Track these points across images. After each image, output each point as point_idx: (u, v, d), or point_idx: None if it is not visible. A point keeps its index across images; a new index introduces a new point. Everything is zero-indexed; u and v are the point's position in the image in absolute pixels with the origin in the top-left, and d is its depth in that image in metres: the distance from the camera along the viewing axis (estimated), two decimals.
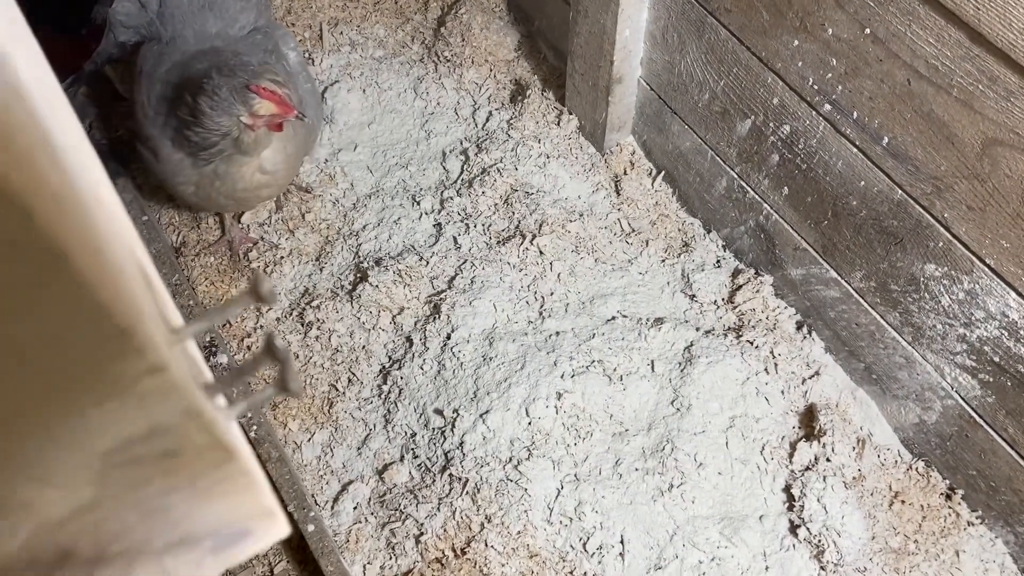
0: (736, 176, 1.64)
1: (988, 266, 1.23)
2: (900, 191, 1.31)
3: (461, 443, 1.50)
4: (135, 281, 0.24)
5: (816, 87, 1.35)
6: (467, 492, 1.47)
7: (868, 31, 1.21)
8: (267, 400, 0.32)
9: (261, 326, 1.72)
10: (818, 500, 1.47)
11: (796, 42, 1.34)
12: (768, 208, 1.61)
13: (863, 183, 1.37)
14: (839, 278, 1.53)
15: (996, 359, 1.31)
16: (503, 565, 1.43)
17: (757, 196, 1.62)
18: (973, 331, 1.32)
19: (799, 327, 1.68)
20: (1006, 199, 1.15)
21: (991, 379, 1.34)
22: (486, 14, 2.08)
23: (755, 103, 1.49)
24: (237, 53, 1.55)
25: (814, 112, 1.38)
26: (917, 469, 1.54)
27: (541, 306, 1.69)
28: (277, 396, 0.31)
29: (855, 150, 1.35)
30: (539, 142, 1.90)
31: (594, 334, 1.64)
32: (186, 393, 0.25)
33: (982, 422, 1.40)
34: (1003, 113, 1.09)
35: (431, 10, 2.16)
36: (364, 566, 1.47)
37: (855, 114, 1.31)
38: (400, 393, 1.60)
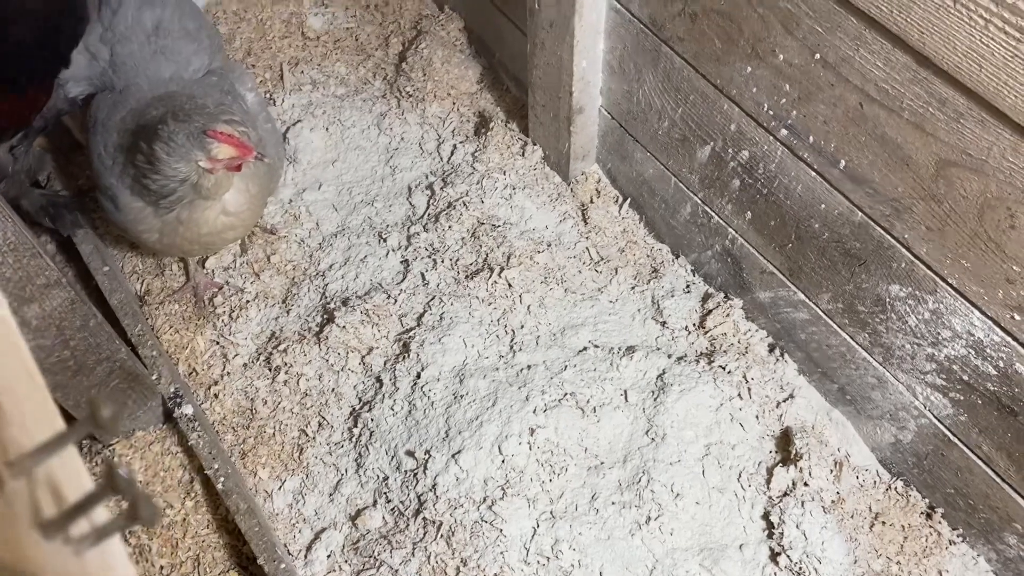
0: (700, 202, 1.64)
1: (951, 286, 1.23)
2: (860, 213, 1.30)
3: (434, 485, 1.48)
4: None
5: (771, 112, 1.35)
6: (442, 535, 1.44)
7: (818, 56, 1.21)
8: (117, 531, 0.30)
9: (228, 373, 1.69)
10: (797, 526, 1.45)
11: (749, 68, 1.34)
12: (733, 232, 1.60)
13: (824, 206, 1.36)
14: (807, 300, 1.52)
15: (965, 377, 1.30)
16: None
17: (721, 221, 1.61)
18: (941, 350, 1.31)
19: (771, 349, 1.67)
20: (963, 219, 1.14)
21: (962, 397, 1.33)
22: (447, 48, 2.08)
23: (713, 129, 1.49)
24: (192, 96, 1.54)
25: (771, 137, 1.38)
26: (896, 489, 1.53)
27: (512, 340, 1.68)
28: (129, 526, 0.29)
29: (813, 174, 1.34)
30: (504, 174, 1.90)
31: (566, 366, 1.62)
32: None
33: (956, 440, 1.39)
34: (954, 134, 1.09)
35: (392, 46, 2.16)
36: None
37: (811, 138, 1.31)
38: (371, 436, 1.57)
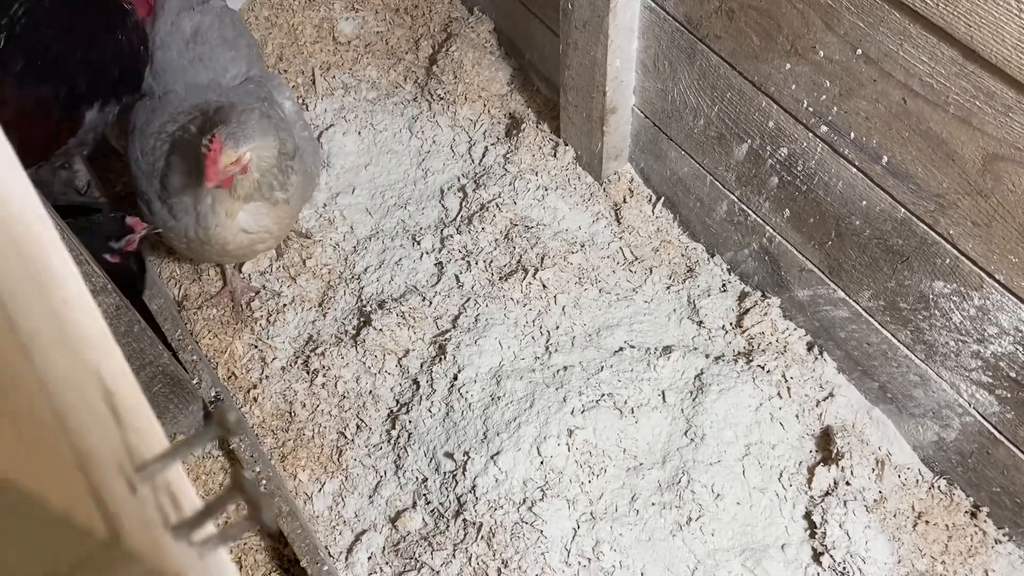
0: (736, 200, 1.63)
1: (998, 281, 1.21)
2: (903, 209, 1.29)
3: (473, 486, 1.48)
4: (85, 435, 0.22)
5: (811, 109, 1.34)
6: (482, 537, 1.44)
7: (860, 52, 1.20)
8: (241, 533, 0.30)
9: (267, 376, 1.70)
10: (840, 526, 1.44)
11: (788, 65, 1.33)
12: (771, 230, 1.59)
13: (865, 203, 1.35)
14: (847, 298, 1.51)
15: (1012, 374, 1.28)
16: None
17: (759, 219, 1.60)
18: (987, 347, 1.29)
19: (810, 348, 1.65)
20: (1011, 214, 1.13)
21: (1009, 395, 1.31)
22: (477, 50, 2.08)
23: (750, 127, 1.48)
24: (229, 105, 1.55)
25: (811, 134, 1.37)
26: (939, 488, 1.51)
27: (547, 341, 1.68)
28: (252, 528, 0.30)
29: (855, 170, 1.33)
30: (536, 175, 1.90)
31: (602, 367, 1.62)
32: (143, 557, 0.24)
33: (1002, 438, 1.37)
34: (1002, 128, 1.08)
35: (422, 49, 2.17)
36: None
37: (852, 134, 1.30)
38: (409, 437, 1.58)
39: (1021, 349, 1.25)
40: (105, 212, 1.86)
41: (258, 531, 1.54)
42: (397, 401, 1.65)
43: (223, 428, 0.29)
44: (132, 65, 1.59)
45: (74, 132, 1.58)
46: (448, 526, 1.47)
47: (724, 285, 1.75)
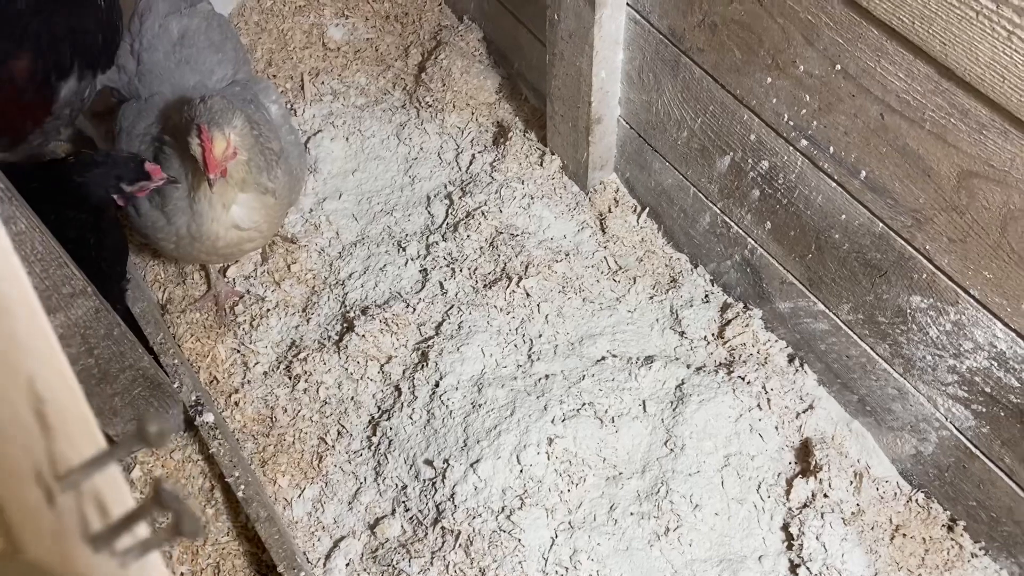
0: (719, 211, 1.64)
1: (973, 297, 1.22)
2: (881, 224, 1.30)
3: (452, 494, 1.48)
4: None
5: (792, 123, 1.35)
6: (460, 545, 1.44)
7: (839, 67, 1.21)
8: (162, 544, 0.31)
9: (249, 381, 1.70)
10: (817, 538, 1.44)
11: (769, 79, 1.34)
12: (752, 242, 1.60)
13: (844, 216, 1.36)
14: (827, 311, 1.52)
15: (987, 389, 1.29)
16: None
17: (741, 231, 1.61)
18: (963, 362, 1.30)
19: (791, 360, 1.66)
20: (985, 230, 1.14)
21: (984, 409, 1.32)
22: (466, 58, 2.09)
23: (733, 140, 1.49)
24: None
25: (791, 148, 1.38)
26: (917, 501, 1.52)
27: (530, 349, 1.68)
28: (173, 539, 0.30)
29: (834, 184, 1.34)
30: (523, 183, 1.90)
31: (584, 376, 1.62)
32: (50, 568, 0.24)
33: (978, 452, 1.38)
34: (976, 146, 1.09)
35: (411, 56, 2.17)
36: None
37: (831, 149, 1.30)
38: (390, 444, 1.58)
39: (995, 364, 1.25)
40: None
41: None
42: (379, 408, 1.65)
43: (142, 439, 0.29)
44: (110, 36, 1.59)
45: (49, 109, 1.57)
46: (427, 533, 1.47)
47: (707, 296, 1.76)
